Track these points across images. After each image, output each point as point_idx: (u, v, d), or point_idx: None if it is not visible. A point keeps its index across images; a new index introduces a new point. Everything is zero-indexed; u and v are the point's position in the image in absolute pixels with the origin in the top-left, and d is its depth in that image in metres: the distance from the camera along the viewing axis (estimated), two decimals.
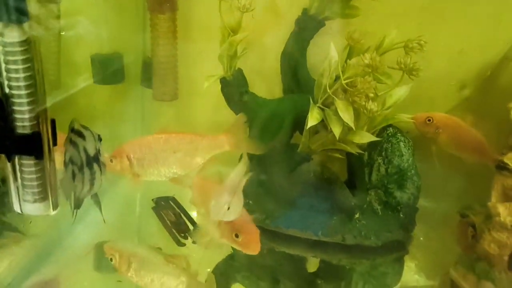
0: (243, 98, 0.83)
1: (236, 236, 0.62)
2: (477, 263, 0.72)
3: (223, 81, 0.83)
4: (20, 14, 0.49)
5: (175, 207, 0.86)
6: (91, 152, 0.60)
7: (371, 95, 0.72)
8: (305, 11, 0.86)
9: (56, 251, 0.78)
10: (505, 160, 0.68)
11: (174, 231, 0.81)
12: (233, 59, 0.81)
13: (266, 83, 0.88)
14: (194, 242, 0.78)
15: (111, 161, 0.70)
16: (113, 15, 0.87)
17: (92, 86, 0.88)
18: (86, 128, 0.61)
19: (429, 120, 0.83)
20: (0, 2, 0.47)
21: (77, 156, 0.59)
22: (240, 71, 0.83)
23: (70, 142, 0.59)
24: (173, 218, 0.84)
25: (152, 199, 0.89)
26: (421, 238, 0.86)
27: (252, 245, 0.62)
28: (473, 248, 0.72)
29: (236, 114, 0.84)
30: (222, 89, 0.84)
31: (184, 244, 0.79)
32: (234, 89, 0.83)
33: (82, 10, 0.83)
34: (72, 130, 0.60)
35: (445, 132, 0.83)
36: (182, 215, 0.84)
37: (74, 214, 0.64)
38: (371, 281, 0.83)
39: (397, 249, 0.83)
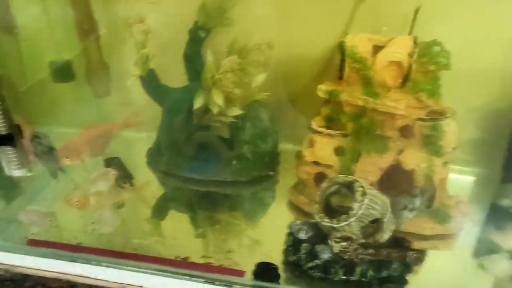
0: (156, 90, 1.21)
1: None
2: (298, 185, 1.13)
3: (141, 78, 1.18)
4: None
5: (119, 164, 1.25)
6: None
7: (231, 86, 1.11)
8: (195, 23, 1.18)
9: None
10: (313, 124, 1.06)
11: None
12: (146, 63, 1.16)
13: (176, 76, 1.22)
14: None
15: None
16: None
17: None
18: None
19: None
20: None
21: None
22: (152, 70, 1.18)
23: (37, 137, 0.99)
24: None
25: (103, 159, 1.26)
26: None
27: None
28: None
29: (154, 100, 1.22)
30: (142, 84, 1.20)
31: (123, 187, 1.17)
32: (149, 83, 1.19)
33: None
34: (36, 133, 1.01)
35: None
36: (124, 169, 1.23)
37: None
38: (255, 201, 1.24)
39: (266, 181, 1.22)
